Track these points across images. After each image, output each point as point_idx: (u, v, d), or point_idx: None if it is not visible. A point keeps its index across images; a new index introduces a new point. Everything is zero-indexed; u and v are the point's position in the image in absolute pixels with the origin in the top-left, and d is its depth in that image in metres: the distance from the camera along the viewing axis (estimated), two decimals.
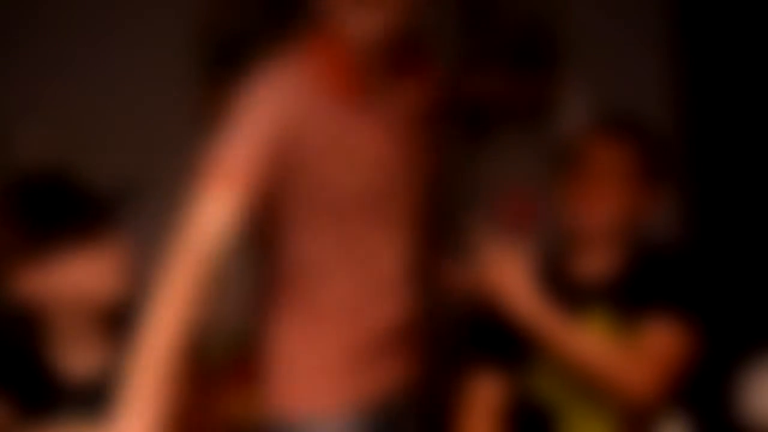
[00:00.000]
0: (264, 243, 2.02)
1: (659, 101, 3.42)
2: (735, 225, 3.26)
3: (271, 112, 1.92)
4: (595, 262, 2.36)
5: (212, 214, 1.81)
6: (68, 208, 2.08)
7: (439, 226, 2.27)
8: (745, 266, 3.14)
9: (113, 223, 2.08)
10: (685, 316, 2.27)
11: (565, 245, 2.41)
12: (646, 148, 2.37)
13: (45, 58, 3.55)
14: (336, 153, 1.98)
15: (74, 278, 2.08)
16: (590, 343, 2.28)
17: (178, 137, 3.59)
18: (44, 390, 2.11)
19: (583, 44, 3.55)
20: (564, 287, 2.34)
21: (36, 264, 2.07)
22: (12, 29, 3.54)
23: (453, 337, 2.41)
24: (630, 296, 2.30)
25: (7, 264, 2.09)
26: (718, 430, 2.50)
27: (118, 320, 2.12)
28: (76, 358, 2.12)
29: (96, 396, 2.10)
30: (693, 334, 2.27)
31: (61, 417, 2.09)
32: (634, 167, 2.34)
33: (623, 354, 2.25)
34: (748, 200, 3.29)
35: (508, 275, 2.28)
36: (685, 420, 2.31)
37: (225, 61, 3.51)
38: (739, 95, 3.33)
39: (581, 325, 2.29)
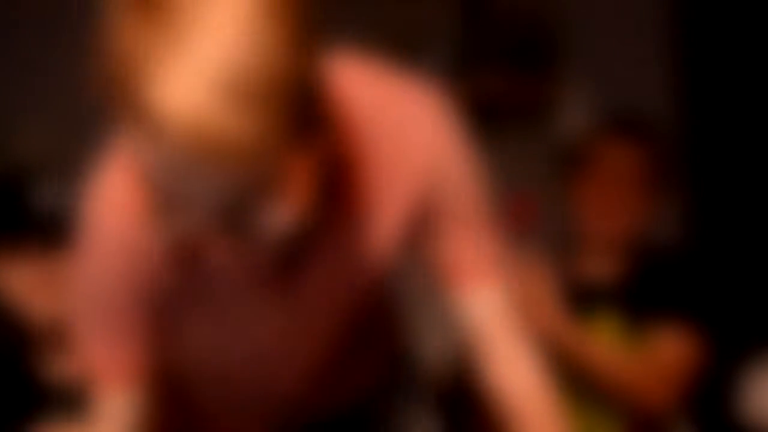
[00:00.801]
0: None
1: (659, 101, 3.41)
2: (735, 226, 3.26)
3: (121, 264, 1.33)
4: (603, 265, 2.35)
5: (114, 419, 1.46)
6: (12, 221, 2.08)
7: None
8: (745, 267, 3.14)
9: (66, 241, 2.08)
10: (693, 323, 2.26)
11: (573, 247, 2.40)
12: (654, 150, 2.36)
13: (45, 58, 3.55)
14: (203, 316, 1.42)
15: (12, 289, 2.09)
16: (607, 356, 2.27)
17: None
18: (28, 396, 2.12)
19: (583, 44, 3.54)
20: (572, 289, 2.33)
21: None
22: (11, 29, 3.54)
23: None
24: (638, 300, 2.29)
25: None
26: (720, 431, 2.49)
27: None
28: (60, 365, 2.13)
29: (79, 402, 2.10)
30: (701, 341, 2.27)
31: (45, 423, 2.08)
32: (643, 169, 2.33)
33: (638, 365, 2.25)
34: (747, 201, 3.30)
35: (533, 291, 2.27)
36: (689, 422, 2.30)
37: None
38: (739, 95, 3.34)
39: (590, 327, 2.29)
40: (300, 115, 1.09)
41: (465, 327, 1.46)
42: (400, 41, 3.56)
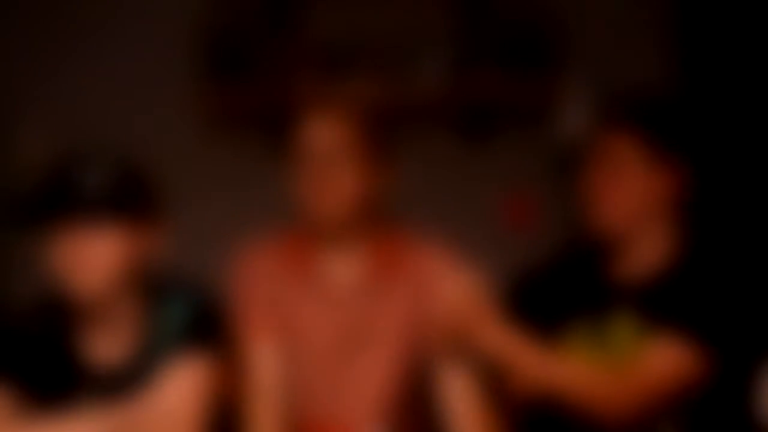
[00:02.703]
0: None
1: (659, 100, 3.41)
2: (737, 224, 3.25)
3: (257, 292, 2.42)
4: (630, 263, 2.29)
5: (263, 364, 2.36)
6: (63, 201, 2.07)
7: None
8: (748, 262, 3.12)
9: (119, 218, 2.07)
10: (694, 331, 2.20)
11: (594, 246, 2.33)
12: (654, 135, 2.27)
13: (45, 59, 3.55)
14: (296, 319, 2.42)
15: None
16: (565, 370, 2.22)
17: (177, 136, 3.59)
18: (69, 376, 2.12)
19: (583, 44, 3.55)
20: (589, 290, 2.30)
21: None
22: (12, 30, 3.54)
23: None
24: (657, 304, 2.23)
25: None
26: None
27: (142, 309, 2.15)
28: (101, 345, 2.13)
29: (119, 383, 2.12)
30: (700, 351, 2.21)
31: (85, 402, 2.10)
32: (647, 150, 2.25)
33: (611, 379, 2.20)
34: (750, 198, 3.31)
35: (467, 306, 2.23)
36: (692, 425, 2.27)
37: (224, 60, 3.50)
38: (739, 91, 3.35)
39: (604, 329, 2.25)
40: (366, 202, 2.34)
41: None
42: (400, 41, 3.57)
